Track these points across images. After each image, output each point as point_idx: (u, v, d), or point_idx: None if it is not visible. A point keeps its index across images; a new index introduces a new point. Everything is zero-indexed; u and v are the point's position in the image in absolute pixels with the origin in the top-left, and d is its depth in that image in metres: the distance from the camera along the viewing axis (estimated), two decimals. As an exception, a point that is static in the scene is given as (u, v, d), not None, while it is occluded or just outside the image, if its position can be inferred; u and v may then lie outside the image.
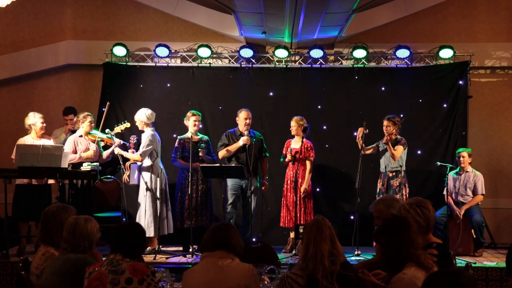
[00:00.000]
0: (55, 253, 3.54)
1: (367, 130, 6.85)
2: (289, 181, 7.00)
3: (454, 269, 2.44)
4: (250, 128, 7.05)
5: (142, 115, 6.82)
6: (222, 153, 7.01)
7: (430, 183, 7.74)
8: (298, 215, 6.80)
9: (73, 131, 7.22)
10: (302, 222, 6.77)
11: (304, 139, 6.96)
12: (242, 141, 6.89)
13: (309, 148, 7.00)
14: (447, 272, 2.31)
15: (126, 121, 7.10)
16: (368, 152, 7.07)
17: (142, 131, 6.90)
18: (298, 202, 6.83)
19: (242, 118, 7.01)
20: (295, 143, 7.07)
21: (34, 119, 6.75)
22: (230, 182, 6.95)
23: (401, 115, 7.23)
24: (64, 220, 3.55)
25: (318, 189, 7.70)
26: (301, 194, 6.87)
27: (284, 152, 7.14)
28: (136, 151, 6.81)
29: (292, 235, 7.02)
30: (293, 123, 7.04)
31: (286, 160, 7.04)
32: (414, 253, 2.90)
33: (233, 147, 6.95)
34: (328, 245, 3.09)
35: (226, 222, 6.80)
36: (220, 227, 3.25)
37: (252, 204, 6.86)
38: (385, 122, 6.99)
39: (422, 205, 3.39)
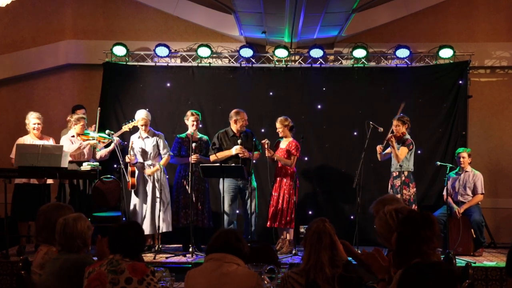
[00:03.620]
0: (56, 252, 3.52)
1: (381, 129, 6.82)
2: (274, 181, 6.97)
3: (437, 261, 2.39)
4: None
5: (146, 114, 6.87)
6: (213, 158, 6.89)
7: (430, 183, 7.74)
8: (283, 214, 6.79)
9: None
10: (284, 222, 6.77)
11: (291, 139, 6.90)
12: (235, 150, 6.82)
13: (293, 148, 6.85)
14: (429, 263, 2.27)
15: (134, 120, 6.98)
16: (386, 156, 7.00)
17: (137, 128, 6.92)
18: (281, 201, 6.80)
19: (238, 119, 6.89)
20: (283, 144, 6.98)
21: (28, 119, 6.77)
22: (226, 183, 6.82)
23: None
24: (57, 219, 3.49)
25: (318, 189, 7.70)
26: (271, 155, 6.75)
27: (275, 147, 7.02)
28: (135, 155, 6.85)
29: (284, 235, 6.98)
30: (278, 125, 6.93)
31: (270, 159, 6.93)
32: (426, 251, 2.86)
33: (225, 155, 6.86)
34: (328, 253, 3.09)
35: (226, 223, 6.81)
36: (228, 231, 3.22)
37: (252, 204, 6.82)
38: (395, 122, 6.87)
39: (400, 212, 3.31)
